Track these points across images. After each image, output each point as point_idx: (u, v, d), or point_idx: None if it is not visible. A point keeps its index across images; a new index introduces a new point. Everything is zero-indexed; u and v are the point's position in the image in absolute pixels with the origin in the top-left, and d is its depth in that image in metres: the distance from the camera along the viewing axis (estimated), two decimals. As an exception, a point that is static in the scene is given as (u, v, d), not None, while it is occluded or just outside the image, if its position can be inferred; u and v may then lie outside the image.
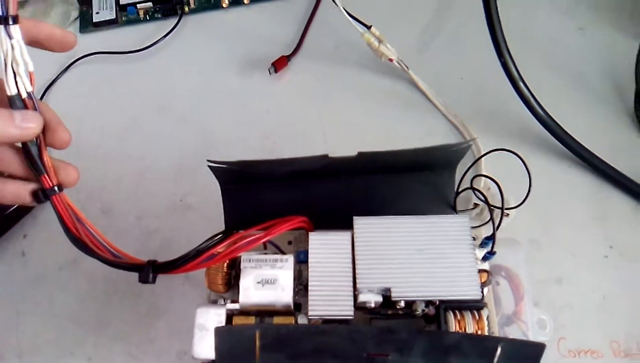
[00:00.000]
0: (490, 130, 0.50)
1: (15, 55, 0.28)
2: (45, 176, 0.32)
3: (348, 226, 0.36)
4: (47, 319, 0.45)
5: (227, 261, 0.35)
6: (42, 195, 0.32)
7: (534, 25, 0.57)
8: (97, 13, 0.60)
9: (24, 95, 0.30)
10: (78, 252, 0.46)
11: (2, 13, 0.27)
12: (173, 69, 0.57)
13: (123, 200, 0.49)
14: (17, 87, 0.30)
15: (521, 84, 0.46)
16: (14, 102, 0.30)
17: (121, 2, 0.60)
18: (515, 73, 0.45)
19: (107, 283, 0.46)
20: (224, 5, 0.60)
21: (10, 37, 0.28)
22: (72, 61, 0.57)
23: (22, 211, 0.49)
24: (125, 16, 0.60)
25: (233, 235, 0.34)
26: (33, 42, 0.30)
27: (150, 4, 0.60)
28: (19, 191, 0.32)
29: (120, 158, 0.51)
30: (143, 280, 0.32)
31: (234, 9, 0.60)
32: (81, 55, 0.57)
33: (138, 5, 0.60)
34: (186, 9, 0.60)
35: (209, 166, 0.34)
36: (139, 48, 0.57)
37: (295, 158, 0.34)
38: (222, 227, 0.37)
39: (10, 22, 0.27)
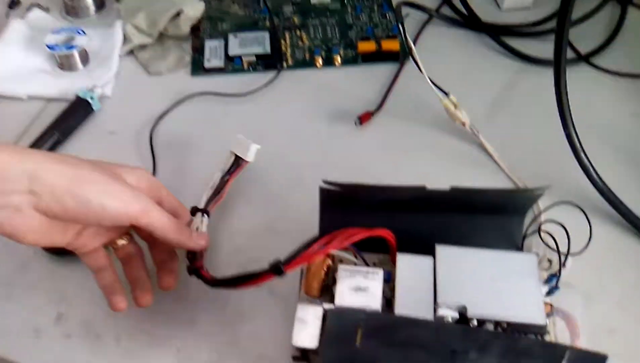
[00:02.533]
0: (549, 193, 0.56)
1: (202, 226, 0.49)
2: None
3: (429, 254, 0.42)
4: (144, 312, 0.50)
5: (324, 269, 0.41)
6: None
7: (593, 110, 0.64)
8: (208, 60, 0.70)
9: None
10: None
11: (205, 207, 0.50)
12: (269, 114, 0.65)
13: (216, 218, 0.56)
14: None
15: (582, 154, 0.52)
16: None
17: (230, 54, 0.70)
18: (577, 143, 0.52)
19: (198, 287, 0.51)
20: (318, 65, 0.69)
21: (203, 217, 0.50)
22: (183, 97, 0.66)
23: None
24: (231, 66, 0.70)
25: (331, 233, 0.40)
26: None
27: (254, 57, 0.70)
28: None
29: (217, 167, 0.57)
30: (279, 272, 0.38)
31: (327, 68, 0.70)
32: (191, 93, 0.66)
33: (243, 58, 0.70)
34: (284, 65, 0.69)
35: (321, 188, 0.41)
36: (241, 93, 0.66)
37: (397, 186, 0.40)
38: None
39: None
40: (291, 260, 0.37)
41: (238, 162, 0.55)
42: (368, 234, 0.39)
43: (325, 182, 0.40)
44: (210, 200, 0.52)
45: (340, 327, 0.34)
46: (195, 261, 0.46)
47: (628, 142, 0.61)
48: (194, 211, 0.50)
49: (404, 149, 0.61)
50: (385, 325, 0.34)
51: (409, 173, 0.59)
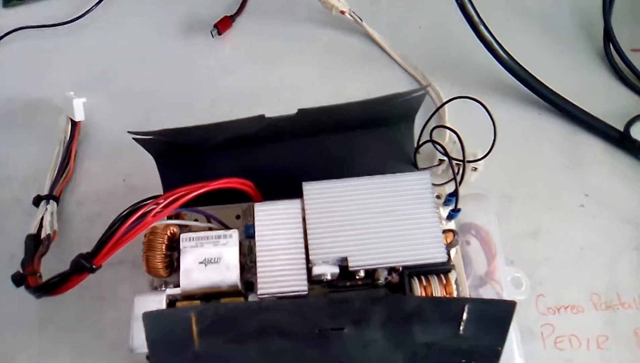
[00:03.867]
0: (453, 81, 0.47)
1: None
2: None
3: (299, 194, 0.32)
4: (-14, 320, 0.41)
5: (166, 242, 0.32)
6: None
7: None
8: (21, -16, 0.55)
9: None
10: (16, 248, 0.43)
11: (50, 192, 0.42)
12: (108, 39, 0.52)
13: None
14: None
15: (481, 27, 0.42)
16: None
17: (47, -29, 0.55)
18: (474, 15, 0.42)
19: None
20: (160, -35, 0.55)
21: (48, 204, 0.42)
22: (-2, 37, 0.52)
23: (-49, 206, 0.44)
24: (52, -14, 0.55)
25: (165, 194, 0.30)
26: None
27: (78, -30, 0.55)
28: None
29: (55, 139, 0.46)
30: (88, 270, 0.29)
31: (170, -32, 0.56)
32: (7, 31, 0.52)
33: (65, -27, 0.55)
34: (118, -27, 0.55)
35: (134, 139, 0.30)
36: (70, 19, 0.52)
37: (229, 121, 0.30)
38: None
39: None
40: (98, 250, 0.27)
41: (74, 125, 0.45)
42: (204, 190, 0.29)
43: (133, 133, 0.30)
44: (55, 182, 0.44)
45: (166, 331, 0.25)
46: (26, 266, 0.36)
47: (537, 5, 0.51)
48: (37, 200, 0.42)
49: (277, 55, 0.50)
50: (228, 316, 0.25)
51: (287, 83, 0.48)
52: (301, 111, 0.30)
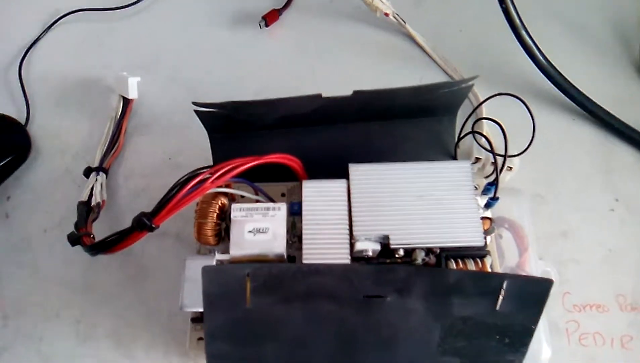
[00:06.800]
0: (490, 84, 0.48)
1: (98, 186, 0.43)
2: None
3: (343, 176, 0.34)
4: (32, 282, 0.43)
5: (217, 211, 0.34)
6: None
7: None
8: (80, -31, 0.57)
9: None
10: (64, 214, 0.45)
11: (100, 164, 0.45)
12: (160, 26, 0.55)
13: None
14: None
15: (523, 32, 0.44)
16: None
17: (105, -43, 0.58)
18: (517, 20, 0.43)
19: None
20: (213, -41, 0.58)
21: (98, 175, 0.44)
22: (56, 19, 0.55)
23: (5, 173, 0.47)
24: (109, -28, 0.58)
25: (220, 164, 0.32)
26: None
27: (135, -42, 0.57)
28: None
29: (106, 117, 0.48)
30: (148, 228, 0.31)
31: (223, -37, 0.58)
32: (65, 13, 0.55)
33: (122, -40, 0.57)
34: (173, -36, 0.58)
35: (195, 111, 0.32)
36: (125, 4, 0.55)
37: (288, 98, 0.32)
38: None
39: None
40: (159, 210, 0.29)
41: (126, 102, 0.47)
42: (257, 162, 0.31)
43: (197, 104, 0.32)
44: (105, 155, 0.46)
45: (221, 286, 0.27)
46: (80, 228, 0.38)
47: (576, 15, 0.53)
48: (87, 171, 0.45)
49: (321, 50, 0.52)
50: (279, 277, 0.27)
51: (329, 78, 0.50)
52: (356, 93, 0.32)
